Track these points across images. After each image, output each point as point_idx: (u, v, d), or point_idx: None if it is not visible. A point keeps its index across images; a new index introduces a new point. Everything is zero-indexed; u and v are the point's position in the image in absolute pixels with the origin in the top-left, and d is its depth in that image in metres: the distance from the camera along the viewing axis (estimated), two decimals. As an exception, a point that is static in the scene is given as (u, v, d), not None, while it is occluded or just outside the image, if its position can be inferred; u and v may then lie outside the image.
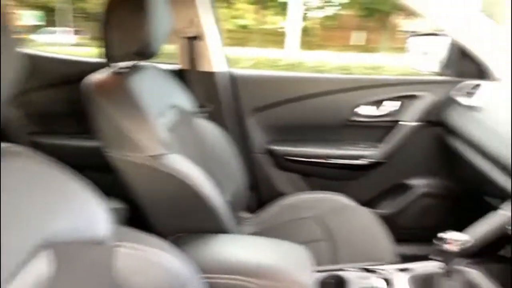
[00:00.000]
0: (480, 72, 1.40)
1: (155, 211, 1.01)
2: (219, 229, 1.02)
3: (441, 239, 0.85)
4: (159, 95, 1.10)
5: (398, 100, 1.60)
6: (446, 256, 0.86)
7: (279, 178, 1.72)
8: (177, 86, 1.26)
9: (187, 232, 1.00)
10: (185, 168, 0.97)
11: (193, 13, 1.52)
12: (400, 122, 1.60)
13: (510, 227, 0.94)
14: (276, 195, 1.57)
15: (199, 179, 0.98)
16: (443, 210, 1.61)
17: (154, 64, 1.20)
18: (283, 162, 1.68)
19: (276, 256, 0.93)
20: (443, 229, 0.89)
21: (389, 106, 1.60)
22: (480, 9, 1.40)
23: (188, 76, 1.59)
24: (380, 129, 1.63)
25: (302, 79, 1.68)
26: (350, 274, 0.99)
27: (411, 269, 0.99)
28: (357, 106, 1.61)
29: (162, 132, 0.98)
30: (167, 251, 0.60)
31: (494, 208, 1.01)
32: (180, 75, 1.55)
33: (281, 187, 1.71)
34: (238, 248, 0.96)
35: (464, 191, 1.54)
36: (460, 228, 0.93)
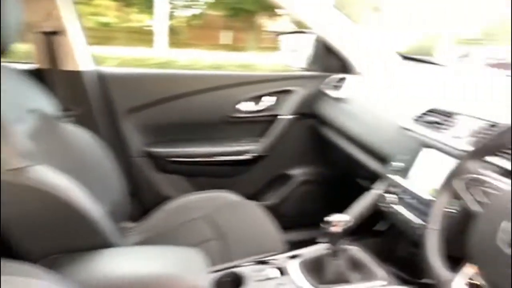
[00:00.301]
0: (344, 66, 1.55)
1: (22, 233, 0.85)
2: (101, 244, 0.91)
3: (327, 222, 0.90)
4: (13, 99, 0.93)
5: (275, 95, 1.66)
6: (332, 238, 0.91)
7: (162, 181, 1.64)
8: (35, 87, 1.09)
9: (63, 252, 0.87)
10: (54, 180, 0.84)
11: (51, 5, 1.34)
12: (278, 116, 1.67)
13: (382, 204, 1.05)
14: (160, 200, 1.49)
15: (71, 191, 0.86)
16: (322, 195, 1.73)
17: (5, 64, 1.01)
18: (165, 164, 1.61)
19: (167, 263, 0.87)
20: (325, 213, 0.94)
21: (267, 101, 1.66)
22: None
23: (48, 76, 1.40)
24: (260, 124, 1.68)
25: (180, 76, 1.63)
26: (245, 269, 0.98)
27: (301, 255, 1.02)
28: (238, 102, 1.62)
29: (21, 141, 0.83)
30: (39, 277, 0.50)
31: (367, 189, 1.11)
32: (37, 75, 1.35)
33: (165, 191, 1.63)
34: (124, 262, 0.87)
35: (339, 176, 1.68)
36: (339, 210, 1.00)
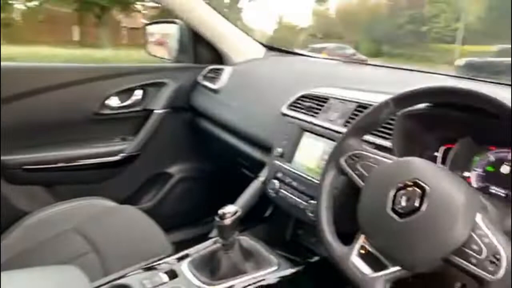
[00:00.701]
0: (216, 57, 1.53)
1: None
2: None
3: (219, 215, 0.86)
4: None
5: (145, 89, 1.54)
6: (222, 231, 0.88)
7: (17, 194, 1.38)
8: None
9: None
10: None
11: None
12: (150, 111, 1.56)
13: (269, 191, 1.06)
14: (15, 215, 1.25)
15: None
16: (206, 190, 1.68)
17: None
18: (19, 174, 1.36)
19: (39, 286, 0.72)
20: (211, 208, 0.91)
21: (138, 96, 1.53)
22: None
23: None
24: (131, 120, 1.54)
25: (31, 70, 1.39)
26: (131, 278, 0.89)
27: (190, 254, 0.97)
28: (104, 97, 1.46)
29: None
30: None
31: (253, 178, 1.11)
32: None
33: (21, 205, 1.38)
34: None
35: (223, 169, 1.65)
36: (227, 203, 0.97)
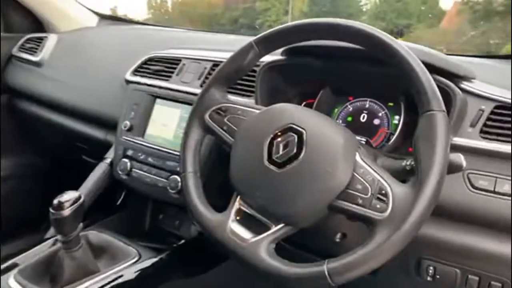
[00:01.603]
0: (37, 25, 1.24)
1: None
2: None
3: (54, 206, 0.66)
4: None
5: None
6: (64, 225, 0.68)
7: None
8: None
9: None
10: None
11: None
12: None
13: (119, 173, 0.88)
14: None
15: None
16: (41, 188, 1.34)
17: None
18: None
19: None
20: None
21: None
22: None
23: None
24: None
25: None
26: None
27: (19, 263, 0.74)
28: None
29: None
30: None
31: (97, 162, 0.93)
32: None
33: None
34: None
35: (58, 159, 1.35)
36: None
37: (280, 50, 0.74)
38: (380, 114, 0.74)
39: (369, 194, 0.48)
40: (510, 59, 0.74)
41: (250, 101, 0.76)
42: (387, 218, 0.47)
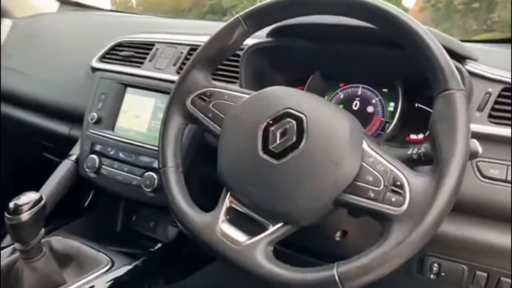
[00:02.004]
0: None
1: None
2: None
3: (9, 210, 0.57)
4: None
5: None
6: (22, 231, 0.59)
7: None
8: None
9: None
10: None
11: None
12: None
13: (87, 171, 0.79)
14: None
15: None
16: None
17: None
18: None
19: None
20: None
21: None
22: None
23: None
24: None
25: None
26: None
27: None
28: None
29: None
30: None
31: (61, 160, 0.84)
32: None
33: None
34: None
35: (16, 159, 1.23)
36: None
37: (265, 32, 0.67)
38: (373, 101, 0.69)
39: (382, 186, 0.42)
40: (510, 43, 0.70)
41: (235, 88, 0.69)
42: (404, 213, 0.41)
